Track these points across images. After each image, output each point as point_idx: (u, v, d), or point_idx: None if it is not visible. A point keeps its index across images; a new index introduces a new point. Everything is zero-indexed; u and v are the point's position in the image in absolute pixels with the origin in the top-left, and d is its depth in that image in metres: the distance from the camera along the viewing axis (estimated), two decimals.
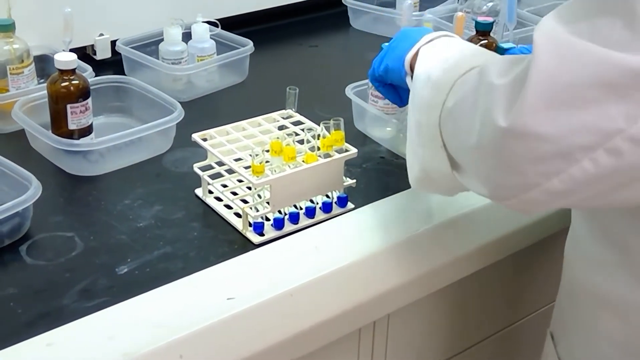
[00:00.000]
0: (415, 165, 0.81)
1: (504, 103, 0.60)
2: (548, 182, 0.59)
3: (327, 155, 0.92)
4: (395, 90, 0.95)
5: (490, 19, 1.21)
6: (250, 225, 0.89)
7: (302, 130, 0.98)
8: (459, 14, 1.22)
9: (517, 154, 0.59)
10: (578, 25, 0.58)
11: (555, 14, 0.61)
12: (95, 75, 1.14)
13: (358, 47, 1.48)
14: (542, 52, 0.58)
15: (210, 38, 1.28)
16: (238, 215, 0.92)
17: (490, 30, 1.20)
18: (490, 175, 0.64)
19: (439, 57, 0.78)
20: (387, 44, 1.10)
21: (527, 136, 0.58)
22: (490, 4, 1.37)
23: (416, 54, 0.84)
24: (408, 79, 0.87)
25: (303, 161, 0.90)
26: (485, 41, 1.20)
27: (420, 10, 1.50)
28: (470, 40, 1.20)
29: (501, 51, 1.16)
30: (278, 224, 0.90)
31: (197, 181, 0.96)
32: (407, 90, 0.85)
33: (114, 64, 1.29)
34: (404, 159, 1.06)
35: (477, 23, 1.20)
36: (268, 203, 0.89)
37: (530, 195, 0.61)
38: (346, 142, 0.93)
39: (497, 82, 0.62)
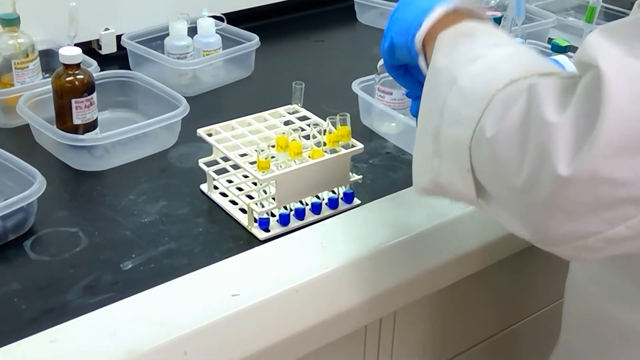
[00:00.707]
0: (425, 175, 0.71)
1: (567, 148, 0.53)
2: (612, 229, 0.55)
3: (333, 151, 0.91)
4: (413, 77, 0.85)
5: (498, 14, 1.20)
6: (255, 221, 0.89)
7: (308, 125, 0.97)
8: None
9: (578, 202, 0.54)
10: None
11: (613, 35, 0.55)
12: (101, 70, 1.13)
13: (364, 42, 1.47)
14: (616, 89, 0.52)
15: (216, 33, 1.27)
16: (243, 211, 0.91)
17: (499, 25, 1.20)
18: (539, 220, 0.57)
19: (466, 54, 0.67)
20: None
21: (595, 183, 0.53)
22: None
23: (430, 33, 0.73)
24: (421, 61, 0.76)
25: (309, 157, 0.90)
26: None
27: None
28: None
29: None
30: (284, 220, 0.89)
31: (203, 177, 0.96)
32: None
33: (119, 58, 1.28)
34: (411, 155, 1.06)
35: None
36: (274, 199, 0.88)
37: (585, 243, 0.56)
38: (352, 137, 0.93)
39: (555, 119, 0.54)
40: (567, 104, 0.55)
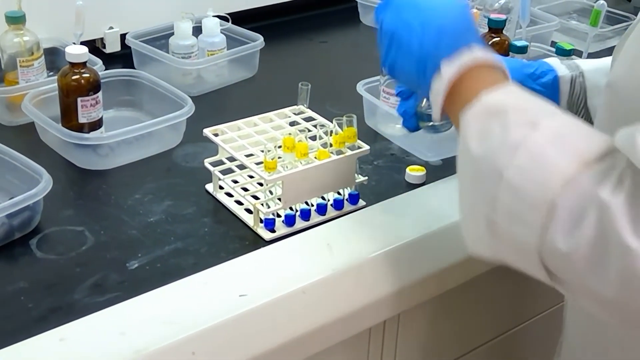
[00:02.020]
0: (480, 247, 0.69)
1: None
2: None
3: (339, 152, 0.91)
4: None
5: (503, 16, 1.21)
6: (261, 221, 0.89)
7: (315, 126, 0.97)
8: (474, 10, 1.21)
9: None
10: None
11: None
12: (105, 69, 1.14)
13: (368, 43, 1.47)
14: None
15: (221, 32, 1.28)
16: (249, 211, 0.91)
17: (503, 28, 1.20)
18: (631, 322, 0.62)
19: (503, 141, 0.64)
20: None
21: None
22: (502, 1, 1.36)
23: (462, 80, 0.71)
24: (436, 113, 0.74)
25: (315, 158, 0.90)
26: (498, 39, 1.19)
27: None
28: (483, 37, 1.20)
29: (514, 49, 1.16)
30: (289, 220, 0.89)
31: (208, 176, 0.96)
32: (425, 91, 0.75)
33: (123, 57, 1.29)
34: (415, 157, 1.07)
35: (489, 20, 1.20)
36: (279, 199, 0.89)
37: None
38: (357, 138, 0.93)
39: (637, 246, 0.55)
40: None
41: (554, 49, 1.19)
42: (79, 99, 1.01)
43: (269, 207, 0.89)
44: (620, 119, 0.70)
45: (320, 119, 0.99)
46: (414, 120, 0.95)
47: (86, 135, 1.01)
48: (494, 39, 1.19)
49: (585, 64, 0.96)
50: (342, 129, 0.91)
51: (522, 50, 1.15)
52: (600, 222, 0.57)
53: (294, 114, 1.01)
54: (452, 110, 0.73)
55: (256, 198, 0.92)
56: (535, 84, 0.93)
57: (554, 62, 0.96)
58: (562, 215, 0.59)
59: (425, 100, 0.91)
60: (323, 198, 0.93)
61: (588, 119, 0.95)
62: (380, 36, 0.80)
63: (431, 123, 0.94)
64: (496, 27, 1.19)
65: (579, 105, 0.94)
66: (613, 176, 0.58)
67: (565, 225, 0.59)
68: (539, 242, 0.61)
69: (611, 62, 0.78)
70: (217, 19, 1.27)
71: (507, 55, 1.17)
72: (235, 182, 0.96)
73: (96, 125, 1.04)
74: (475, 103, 0.68)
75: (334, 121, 0.92)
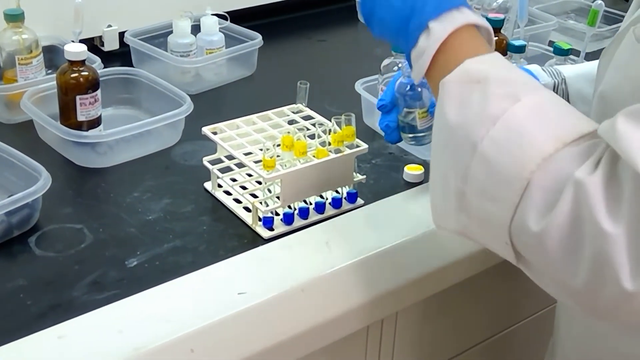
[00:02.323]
0: (449, 222, 0.68)
1: (629, 260, 0.54)
2: None
3: (337, 151, 0.91)
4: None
5: (501, 16, 1.21)
6: (259, 219, 0.89)
7: (313, 125, 0.97)
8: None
9: None
10: None
11: None
12: (104, 67, 1.14)
13: (367, 42, 1.47)
14: None
15: (219, 31, 1.28)
16: (247, 209, 0.91)
17: (501, 27, 1.20)
18: (598, 313, 0.59)
19: (481, 111, 0.62)
20: None
21: None
22: (500, 0, 1.36)
23: (449, 42, 0.67)
24: (418, 75, 0.71)
25: (314, 156, 0.90)
26: (496, 38, 1.19)
27: None
28: None
29: (512, 48, 1.16)
30: (288, 219, 0.89)
31: (206, 175, 0.96)
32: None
33: (121, 55, 1.29)
34: (414, 155, 1.07)
35: (487, 20, 1.19)
36: (278, 198, 0.89)
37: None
38: (356, 137, 0.93)
39: (612, 229, 0.54)
40: (617, 209, 0.54)
41: (552, 49, 1.20)
42: (77, 97, 1.01)
43: (267, 205, 0.89)
44: None
45: (318, 118, 1.00)
46: (396, 133, 0.96)
47: (85, 133, 1.02)
48: None
49: (568, 70, 0.96)
50: (340, 128, 0.91)
51: (520, 49, 1.15)
52: (575, 203, 0.56)
53: (293, 112, 1.01)
54: (433, 73, 0.70)
55: (255, 196, 0.92)
56: None
57: (536, 69, 0.95)
58: (536, 194, 0.58)
59: (405, 110, 0.92)
60: (321, 196, 0.93)
61: None
62: None
63: (413, 134, 0.94)
64: (494, 27, 1.18)
65: None
66: (591, 158, 0.57)
67: (539, 204, 0.58)
68: (509, 219, 0.59)
69: (598, 68, 0.78)
70: (215, 18, 1.27)
71: (506, 54, 1.18)
72: (234, 180, 0.96)
73: (95, 123, 1.04)
74: (457, 69, 0.66)
75: (332, 120, 0.92)
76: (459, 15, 0.69)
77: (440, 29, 0.68)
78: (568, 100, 0.93)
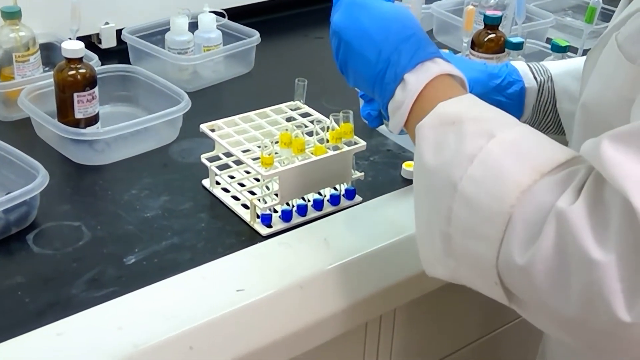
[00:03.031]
0: (437, 268, 0.68)
1: (622, 289, 0.52)
2: None
3: (335, 148, 0.91)
4: None
5: (498, 13, 1.21)
6: (258, 216, 0.89)
7: (311, 122, 0.97)
8: (469, 7, 1.21)
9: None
10: None
11: (629, 148, 0.53)
12: (101, 64, 1.13)
13: None
14: None
15: (217, 28, 1.27)
16: (245, 206, 0.91)
17: (499, 24, 1.20)
18: (593, 345, 0.57)
19: (458, 152, 0.62)
20: None
21: None
22: None
23: (424, 92, 0.69)
24: (398, 126, 0.72)
25: (312, 153, 0.90)
26: (494, 35, 1.19)
27: (426, 3, 1.49)
28: (479, 34, 1.20)
29: (510, 45, 1.16)
30: (286, 216, 0.89)
31: (204, 172, 0.96)
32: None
33: (119, 53, 1.28)
34: (411, 152, 1.07)
35: (485, 17, 1.20)
36: (276, 195, 0.89)
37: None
38: (354, 134, 0.93)
39: (600, 257, 0.52)
40: (606, 237, 0.53)
41: (549, 46, 1.20)
42: (75, 95, 1.01)
43: (265, 202, 0.89)
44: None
45: (316, 115, 0.99)
46: (378, 120, 0.96)
47: (82, 130, 1.01)
48: (490, 36, 1.19)
49: (555, 67, 0.95)
50: (338, 125, 0.91)
51: (518, 46, 1.16)
52: (559, 233, 0.54)
53: (291, 109, 1.01)
54: (411, 123, 0.71)
55: (253, 193, 0.92)
56: (501, 96, 0.93)
57: (522, 68, 0.95)
58: (518, 227, 0.57)
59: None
60: (320, 193, 0.93)
61: (556, 123, 0.95)
62: (331, 35, 0.78)
63: None
64: (492, 24, 1.19)
65: (546, 110, 0.94)
66: (571, 186, 0.56)
67: (522, 237, 0.57)
68: (495, 256, 0.59)
69: (582, 72, 0.77)
70: (213, 15, 1.27)
71: (503, 51, 1.18)
72: (232, 177, 0.96)
73: (92, 120, 1.04)
74: (431, 113, 0.67)
75: (330, 117, 0.92)
76: (434, 66, 0.71)
77: (415, 81, 0.70)
78: (554, 98, 0.93)
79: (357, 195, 0.95)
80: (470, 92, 0.90)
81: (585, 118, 0.72)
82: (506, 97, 0.93)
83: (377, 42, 0.73)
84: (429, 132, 0.66)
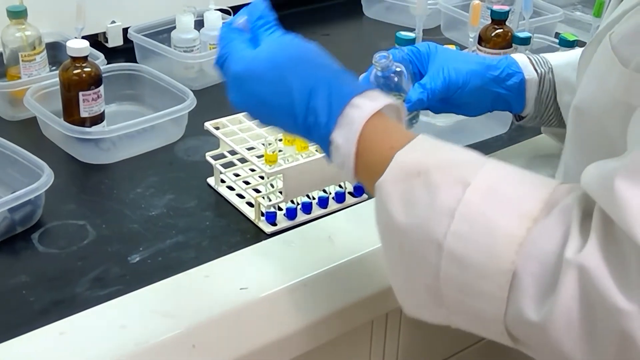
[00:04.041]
0: (424, 314, 0.64)
1: None
2: None
3: None
4: None
5: (506, 8, 1.20)
6: (262, 214, 0.89)
7: None
8: (475, 2, 1.20)
9: None
10: None
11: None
12: (107, 63, 1.13)
13: (371, 36, 1.47)
14: None
15: None
16: (250, 204, 0.91)
17: (506, 19, 1.19)
18: None
19: (433, 206, 0.57)
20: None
21: None
22: None
23: (362, 142, 0.62)
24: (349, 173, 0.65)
25: (316, 151, 0.90)
26: (501, 30, 1.18)
27: None
28: (486, 29, 1.19)
29: (517, 40, 1.15)
30: (290, 213, 0.89)
31: (209, 170, 0.96)
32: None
33: (125, 51, 1.28)
34: None
35: (492, 11, 1.19)
36: (280, 192, 0.88)
37: None
38: None
39: (629, 307, 0.50)
40: (628, 282, 0.50)
41: (557, 40, 1.19)
42: (80, 93, 1.01)
43: (270, 200, 0.89)
44: (587, 141, 0.68)
45: None
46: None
47: (88, 129, 1.02)
48: (497, 31, 1.18)
49: (555, 59, 0.94)
50: None
51: (526, 41, 1.15)
52: (579, 284, 0.52)
53: None
54: (362, 177, 0.65)
55: (257, 191, 0.92)
56: (500, 87, 0.92)
57: (522, 60, 0.93)
58: (527, 283, 0.54)
59: None
60: (325, 191, 0.93)
61: (558, 116, 0.94)
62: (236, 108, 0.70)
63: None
64: (499, 19, 1.18)
65: (547, 103, 0.93)
66: (573, 230, 0.54)
67: (533, 292, 0.54)
68: (502, 313, 0.56)
69: (577, 71, 0.76)
70: (219, 12, 1.27)
71: (511, 46, 1.17)
72: (237, 175, 0.96)
73: (98, 119, 1.04)
74: (390, 167, 0.60)
75: None
76: (356, 113, 0.63)
77: (345, 141, 0.63)
78: (555, 91, 0.92)
79: (363, 193, 0.95)
80: (468, 84, 0.90)
81: (578, 120, 0.70)
82: (505, 89, 0.92)
83: (285, 109, 0.65)
84: (393, 188, 0.60)
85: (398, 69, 0.90)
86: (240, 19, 0.70)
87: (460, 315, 0.60)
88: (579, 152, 0.70)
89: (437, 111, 0.96)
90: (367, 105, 0.63)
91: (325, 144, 0.65)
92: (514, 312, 0.55)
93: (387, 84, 0.91)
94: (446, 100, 0.92)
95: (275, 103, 0.65)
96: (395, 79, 0.91)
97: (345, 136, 0.63)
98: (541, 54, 0.96)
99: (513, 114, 0.97)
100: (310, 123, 0.64)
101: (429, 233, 0.57)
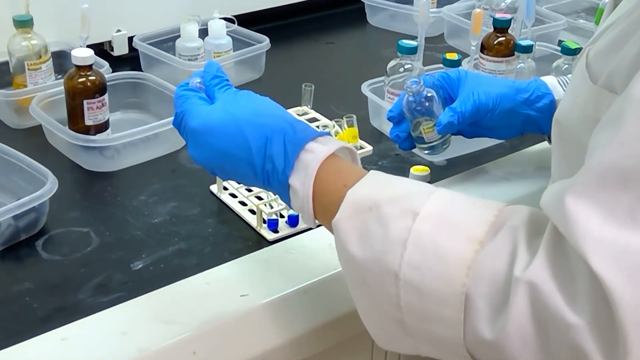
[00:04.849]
0: (393, 345, 0.65)
1: (600, 349, 0.51)
2: None
3: None
4: None
5: (508, 16, 1.20)
6: (264, 222, 0.89)
7: (318, 127, 0.98)
8: (477, 10, 1.21)
9: None
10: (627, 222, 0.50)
11: (591, 202, 0.52)
12: (113, 71, 1.15)
13: (375, 44, 1.47)
14: (619, 291, 0.49)
15: (227, 34, 1.28)
16: (252, 212, 0.92)
17: (508, 27, 1.20)
18: None
19: (386, 239, 0.60)
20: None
21: None
22: (508, 1, 1.36)
23: (315, 201, 0.65)
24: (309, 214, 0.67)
25: None
26: (503, 38, 1.19)
27: (437, 7, 1.49)
28: (488, 37, 1.20)
29: (519, 48, 1.15)
30: (292, 221, 0.90)
31: (212, 177, 0.96)
32: None
33: (131, 60, 1.30)
34: (420, 157, 1.06)
35: (494, 20, 1.20)
36: None
37: None
38: (362, 139, 0.93)
39: (578, 321, 0.51)
40: (576, 300, 0.52)
41: (559, 48, 1.19)
42: (85, 102, 1.02)
43: (272, 207, 0.89)
44: (567, 153, 0.69)
45: (323, 120, 1.00)
46: (407, 142, 0.96)
47: (92, 137, 1.02)
48: (499, 39, 1.19)
49: None
50: (342, 130, 0.92)
51: (527, 49, 1.15)
52: (529, 300, 0.53)
53: (298, 114, 1.01)
54: (320, 218, 0.68)
55: (260, 199, 0.93)
56: (530, 109, 0.93)
57: (551, 82, 0.94)
58: (478, 303, 0.56)
59: (420, 128, 0.93)
60: None
61: None
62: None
63: (426, 145, 0.95)
64: (501, 27, 1.19)
65: None
66: (521, 248, 0.55)
67: (486, 312, 0.56)
68: (461, 335, 0.57)
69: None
70: (223, 21, 1.28)
71: (513, 54, 1.17)
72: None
73: (102, 127, 1.05)
74: (342, 204, 0.63)
75: (333, 122, 0.92)
76: (310, 157, 0.66)
77: (301, 185, 0.66)
78: None
79: None
80: (498, 107, 0.92)
81: (558, 132, 0.71)
82: (536, 110, 0.93)
83: (244, 159, 0.67)
84: (347, 225, 0.62)
85: (429, 94, 0.92)
86: (195, 79, 0.74)
87: (425, 343, 0.61)
88: (561, 163, 0.71)
89: (468, 135, 0.97)
90: (320, 149, 0.66)
91: (284, 190, 0.68)
92: (471, 333, 0.57)
93: (419, 109, 0.92)
94: (477, 123, 0.94)
95: (234, 154, 0.68)
96: (427, 103, 0.93)
97: (301, 180, 0.66)
98: (569, 75, 0.96)
99: (545, 136, 0.97)
100: (268, 170, 0.67)
101: (385, 265, 0.59)
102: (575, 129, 0.65)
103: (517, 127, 0.95)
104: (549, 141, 0.98)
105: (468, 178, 1.01)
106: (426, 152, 0.98)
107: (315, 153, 0.66)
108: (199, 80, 0.74)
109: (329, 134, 0.70)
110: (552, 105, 0.92)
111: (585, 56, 0.65)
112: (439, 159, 1.04)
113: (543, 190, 0.59)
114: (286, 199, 0.68)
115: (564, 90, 0.93)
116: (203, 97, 0.73)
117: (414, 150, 1.07)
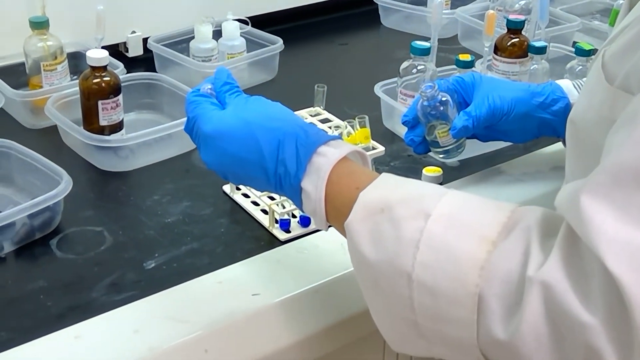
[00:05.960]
0: (407, 348, 0.65)
1: (614, 349, 0.50)
2: None
3: None
4: None
5: (522, 17, 1.20)
6: (276, 222, 0.90)
7: (330, 127, 0.98)
8: (490, 11, 1.21)
9: None
10: None
11: (606, 201, 0.52)
12: (127, 72, 1.16)
13: (388, 46, 1.47)
14: (633, 284, 0.49)
15: (241, 36, 1.29)
16: (265, 212, 0.92)
17: (522, 29, 1.20)
18: None
19: (399, 239, 0.60)
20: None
21: None
22: (522, 2, 1.36)
23: (328, 203, 0.66)
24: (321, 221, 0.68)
25: None
26: (517, 39, 1.19)
27: (451, 9, 1.49)
28: (502, 38, 1.20)
29: (533, 50, 1.15)
30: (304, 221, 0.90)
31: None
32: None
33: (145, 61, 1.31)
34: (432, 158, 1.06)
35: (508, 21, 1.20)
36: None
37: None
38: (374, 140, 0.93)
39: (592, 321, 0.51)
40: (591, 299, 0.51)
41: (573, 50, 1.19)
42: (99, 102, 1.03)
43: (284, 207, 0.90)
44: (582, 153, 0.69)
45: (336, 121, 1.00)
46: (422, 146, 0.96)
47: (107, 137, 1.03)
48: (513, 40, 1.19)
49: None
50: (354, 131, 0.92)
51: (541, 50, 1.15)
52: (543, 300, 0.53)
53: (311, 115, 1.02)
54: (333, 221, 0.68)
55: (272, 199, 0.93)
56: (545, 113, 0.93)
57: (566, 85, 0.94)
58: (492, 304, 0.56)
59: (435, 132, 0.93)
60: None
61: None
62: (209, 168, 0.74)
63: (441, 149, 0.95)
64: (515, 28, 1.19)
65: None
66: (534, 248, 0.55)
67: (499, 312, 0.56)
68: (474, 337, 0.57)
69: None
70: (237, 23, 1.28)
71: (526, 56, 1.17)
72: None
73: (117, 127, 1.06)
74: (355, 206, 0.63)
75: (345, 122, 0.92)
76: (323, 161, 0.67)
77: (314, 188, 0.66)
78: None
79: None
80: (513, 111, 0.92)
81: (573, 133, 0.70)
82: (551, 114, 0.93)
83: (256, 163, 0.68)
84: (360, 226, 0.62)
85: (444, 98, 0.92)
86: (206, 85, 0.75)
87: (439, 345, 0.61)
88: (575, 163, 0.71)
89: (483, 139, 0.97)
90: (332, 152, 0.67)
91: (296, 194, 0.68)
92: (485, 333, 0.56)
93: (433, 113, 0.93)
94: (492, 127, 0.94)
95: (247, 158, 0.68)
96: (441, 107, 0.93)
97: (314, 183, 0.66)
98: (584, 79, 0.96)
99: (560, 139, 0.97)
100: (280, 173, 0.68)
101: (398, 266, 0.59)
102: (590, 130, 0.65)
103: (532, 130, 0.95)
104: (564, 144, 0.97)
105: (481, 179, 1.01)
106: (441, 156, 0.98)
107: (327, 156, 0.67)
108: (210, 87, 0.75)
109: (340, 137, 0.71)
110: (567, 109, 0.92)
111: (601, 57, 0.65)
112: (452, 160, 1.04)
113: (557, 191, 0.59)
114: (298, 202, 0.69)
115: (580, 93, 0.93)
116: (214, 102, 0.73)
117: (428, 154, 1.07)
